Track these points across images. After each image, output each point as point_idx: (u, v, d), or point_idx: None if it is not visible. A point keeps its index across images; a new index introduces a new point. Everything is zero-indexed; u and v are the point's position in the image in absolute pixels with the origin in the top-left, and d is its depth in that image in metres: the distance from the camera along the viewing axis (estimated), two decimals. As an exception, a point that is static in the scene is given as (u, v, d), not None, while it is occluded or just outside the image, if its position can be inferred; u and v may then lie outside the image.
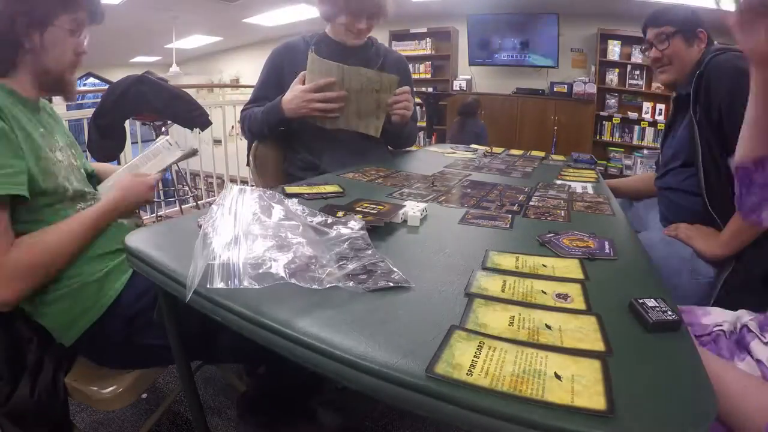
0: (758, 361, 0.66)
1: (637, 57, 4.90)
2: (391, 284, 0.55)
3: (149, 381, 0.94)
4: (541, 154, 1.88)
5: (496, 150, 1.91)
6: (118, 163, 2.46)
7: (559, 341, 0.45)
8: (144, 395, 1.38)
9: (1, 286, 0.74)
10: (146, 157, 1.08)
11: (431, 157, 1.67)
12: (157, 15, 5.35)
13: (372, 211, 0.84)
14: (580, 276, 0.61)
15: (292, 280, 0.54)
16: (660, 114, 4.92)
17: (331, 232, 0.64)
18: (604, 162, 5.25)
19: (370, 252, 0.61)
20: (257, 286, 0.52)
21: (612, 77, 5.16)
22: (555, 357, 0.42)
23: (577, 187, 1.25)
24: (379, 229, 0.75)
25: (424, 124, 4.60)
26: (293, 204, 0.67)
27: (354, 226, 0.66)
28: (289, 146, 1.48)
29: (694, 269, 1.06)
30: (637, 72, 5.02)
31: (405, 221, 0.81)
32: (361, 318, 0.49)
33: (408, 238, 0.76)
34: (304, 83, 1.28)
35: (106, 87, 2.48)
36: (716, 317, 0.79)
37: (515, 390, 0.37)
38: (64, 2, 0.84)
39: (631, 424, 0.34)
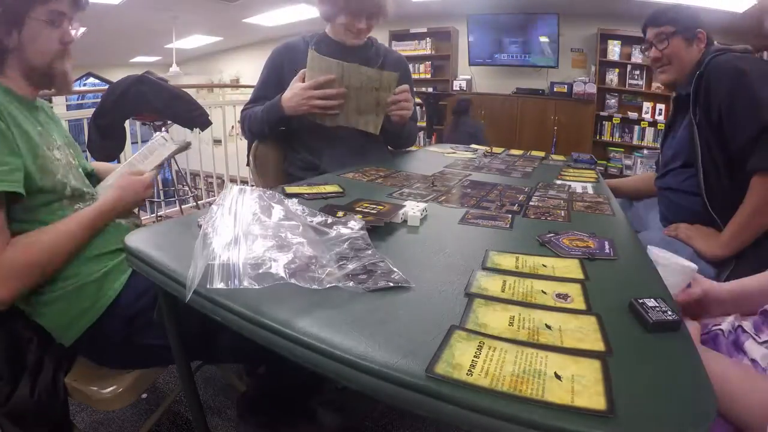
0: (753, 361, 0.66)
1: (637, 57, 4.90)
2: (391, 284, 0.55)
3: (149, 381, 0.94)
4: (541, 154, 1.88)
5: (496, 150, 1.91)
6: (119, 163, 2.46)
7: (559, 341, 0.45)
8: (144, 395, 1.38)
9: None
10: (142, 154, 1.08)
11: (431, 157, 1.67)
12: (157, 15, 5.35)
13: (372, 211, 0.84)
14: (580, 276, 0.61)
15: (292, 280, 0.54)
16: (660, 114, 4.92)
17: (331, 232, 0.64)
18: (604, 162, 5.25)
19: (370, 252, 0.61)
20: (257, 287, 0.52)
21: (612, 77, 5.16)
22: (555, 357, 0.42)
23: (577, 187, 1.25)
24: (379, 229, 0.75)
25: (424, 124, 4.60)
26: (293, 204, 0.67)
27: (354, 226, 0.66)
28: (289, 146, 1.48)
29: (694, 269, 1.06)
30: (637, 72, 5.02)
31: (405, 221, 0.81)
32: (361, 318, 0.49)
33: (408, 238, 0.76)
34: (304, 81, 1.29)
35: (106, 87, 2.48)
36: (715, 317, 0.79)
37: (515, 390, 0.37)
38: None
39: (631, 424, 0.34)
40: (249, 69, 7.08)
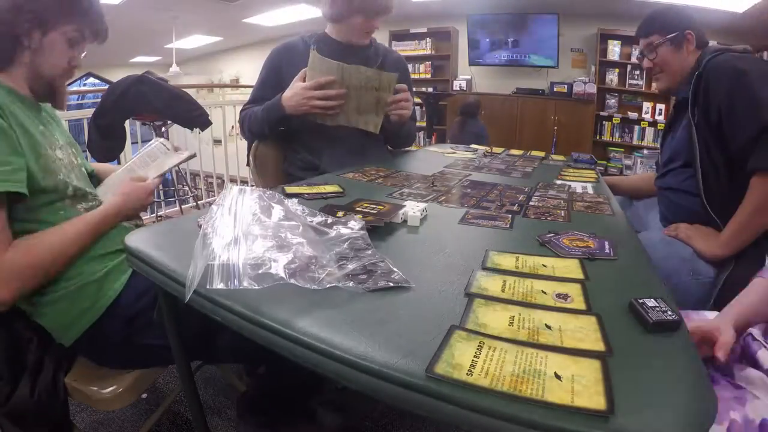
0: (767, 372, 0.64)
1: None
2: (391, 284, 0.55)
3: (149, 381, 0.94)
4: (541, 154, 1.88)
5: (496, 150, 1.91)
6: (118, 163, 2.46)
7: (559, 341, 0.45)
8: (144, 395, 1.38)
9: None
10: (142, 160, 1.08)
11: (431, 157, 1.67)
12: (157, 15, 5.35)
13: (372, 211, 0.84)
14: (580, 276, 0.61)
15: (292, 281, 0.54)
16: (660, 114, 4.93)
17: (331, 232, 0.64)
18: (604, 162, 5.25)
19: (370, 252, 0.61)
20: (257, 287, 0.52)
21: (612, 77, 5.16)
22: (555, 357, 0.42)
23: (577, 187, 1.25)
24: (379, 229, 0.75)
25: (424, 124, 4.60)
26: (293, 204, 0.67)
27: (354, 226, 0.66)
28: (289, 146, 1.48)
29: (694, 269, 1.06)
30: (637, 72, 5.02)
31: (405, 221, 0.81)
32: (361, 318, 0.49)
33: (408, 238, 0.76)
34: (304, 80, 1.29)
35: (106, 87, 2.48)
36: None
37: (515, 390, 0.37)
38: (71, 12, 0.85)
39: (631, 424, 0.34)
40: (249, 69, 7.08)
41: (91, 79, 7.40)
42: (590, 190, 1.21)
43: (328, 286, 0.54)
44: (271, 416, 1.04)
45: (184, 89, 2.67)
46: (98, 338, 0.84)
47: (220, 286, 0.52)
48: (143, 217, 1.09)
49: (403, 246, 0.73)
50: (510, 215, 0.91)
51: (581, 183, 1.30)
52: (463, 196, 1.06)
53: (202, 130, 2.71)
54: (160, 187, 3.74)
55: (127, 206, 0.94)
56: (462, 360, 0.41)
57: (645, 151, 4.88)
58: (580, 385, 0.38)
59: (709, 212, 1.10)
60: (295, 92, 1.29)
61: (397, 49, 5.17)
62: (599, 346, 0.44)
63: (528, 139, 5.20)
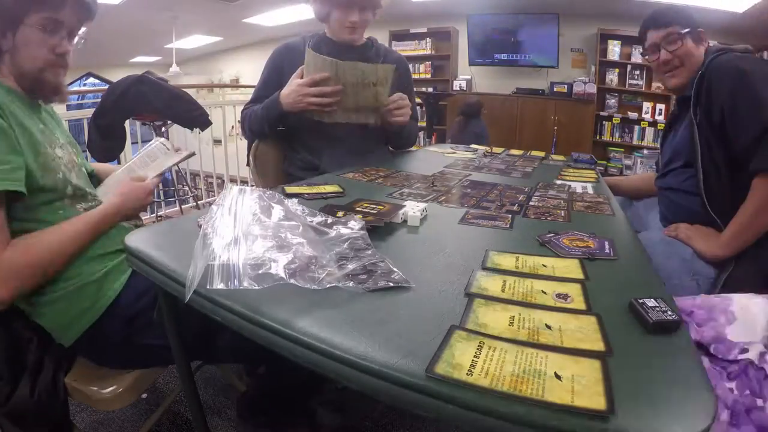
0: None
1: (637, 57, 4.90)
2: (391, 284, 0.55)
3: (149, 381, 0.94)
4: (541, 154, 1.88)
5: (496, 150, 1.91)
6: (118, 163, 2.46)
7: (559, 341, 0.45)
8: (144, 395, 1.38)
9: None
10: (142, 160, 1.08)
11: (431, 157, 1.67)
12: (157, 15, 5.35)
13: (372, 211, 0.84)
14: (580, 276, 0.61)
15: (292, 281, 0.54)
16: (660, 114, 4.93)
17: (331, 232, 0.64)
18: (604, 162, 5.25)
19: (370, 252, 0.61)
20: (257, 287, 0.52)
21: (612, 77, 5.16)
22: (555, 357, 0.42)
23: (577, 187, 1.25)
24: (379, 229, 0.75)
25: (424, 124, 4.60)
26: (293, 204, 0.67)
27: (354, 226, 0.66)
28: (289, 146, 1.48)
29: (694, 269, 1.06)
30: (637, 72, 5.02)
31: (405, 221, 0.81)
32: (361, 318, 0.49)
33: (408, 238, 0.76)
34: (302, 78, 1.29)
35: (106, 87, 2.48)
36: (737, 333, 0.70)
37: (515, 390, 0.37)
38: (35, 1, 0.81)
39: (631, 424, 0.34)
40: (249, 69, 7.08)
41: (91, 79, 7.41)
42: (590, 190, 1.21)
43: (328, 286, 0.54)
44: (271, 416, 1.04)
45: (184, 89, 2.67)
46: (98, 338, 0.84)
47: (220, 286, 0.52)
48: (143, 217, 1.09)
49: (403, 246, 0.73)
50: (510, 215, 0.91)
51: (581, 183, 1.30)
52: (463, 196, 1.06)
53: (202, 130, 2.71)
54: (160, 186, 3.75)
55: (126, 206, 0.94)
56: (462, 360, 0.41)
57: (645, 151, 4.88)
58: (580, 385, 0.38)
59: (710, 212, 1.09)
60: (291, 89, 1.30)
61: (397, 49, 5.16)
62: (599, 346, 0.44)
63: (528, 139, 5.20)
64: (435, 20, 5.74)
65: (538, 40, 5.29)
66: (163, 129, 2.89)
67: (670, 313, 0.49)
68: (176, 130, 3.05)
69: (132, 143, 2.94)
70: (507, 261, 0.65)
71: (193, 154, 1.20)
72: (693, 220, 1.14)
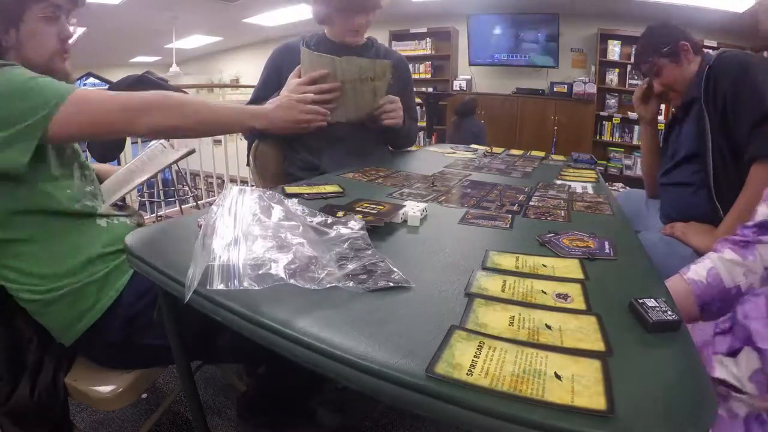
0: None
1: (637, 57, 4.90)
2: (391, 284, 0.55)
3: (149, 381, 0.94)
4: (541, 154, 1.88)
5: (496, 150, 1.91)
6: (118, 164, 2.46)
7: (559, 341, 0.45)
8: (144, 395, 1.38)
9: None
10: (141, 161, 1.09)
11: (431, 157, 1.67)
12: (157, 15, 5.35)
13: (372, 211, 0.84)
14: (580, 276, 0.61)
15: (292, 281, 0.54)
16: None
17: (331, 232, 0.64)
18: (604, 162, 5.25)
19: (370, 252, 0.61)
20: (257, 287, 0.52)
21: (612, 77, 5.16)
22: (555, 357, 0.42)
23: (577, 187, 1.25)
24: (379, 229, 0.75)
25: (424, 124, 4.60)
26: (293, 204, 0.67)
27: (354, 226, 0.66)
28: (289, 146, 1.48)
29: (694, 269, 1.06)
30: (637, 72, 5.02)
31: (405, 221, 0.81)
32: (361, 318, 0.49)
33: (408, 238, 0.76)
34: (300, 77, 1.29)
35: (106, 87, 2.48)
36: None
37: (515, 390, 0.37)
38: None
39: (631, 424, 0.34)
40: (249, 69, 7.09)
41: (91, 79, 7.40)
42: (590, 190, 1.21)
43: (328, 286, 0.54)
44: (271, 416, 1.04)
45: (184, 89, 2.67)
46: (98, 338, 0.84)
47: (220, 286, 0.52)
48: (143, 217, 1.10)
49: (403, 246, 0.73)
50: (510, 215, 0.91)
51: (581, 183, 1.30)
52: (463, 196, 1.06)
53: (202, 130, 2.70)
54: (160, 187, 3.76)
55: (276, 114, 1.00)
56: (462, 360, 0.41)
57: (645, 151, 4.88)
58: (580, 385, 0.38)
59: (717, 206, 1.10)
60: (290, 89, 1.29)
61: (397, 49, 5.16)
62: (599, 346, 0.44)
63: (528, 139, 5.20)
64: (435, 20, 5.74)
65: (538, 40, 5.29)
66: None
67: (670, 313, 0.49)
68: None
69: (132, 143, 2.94)
70: (507, 261, 0.65)
71: (192, 152, 1.20)
72: (699, 214, 1.14)
